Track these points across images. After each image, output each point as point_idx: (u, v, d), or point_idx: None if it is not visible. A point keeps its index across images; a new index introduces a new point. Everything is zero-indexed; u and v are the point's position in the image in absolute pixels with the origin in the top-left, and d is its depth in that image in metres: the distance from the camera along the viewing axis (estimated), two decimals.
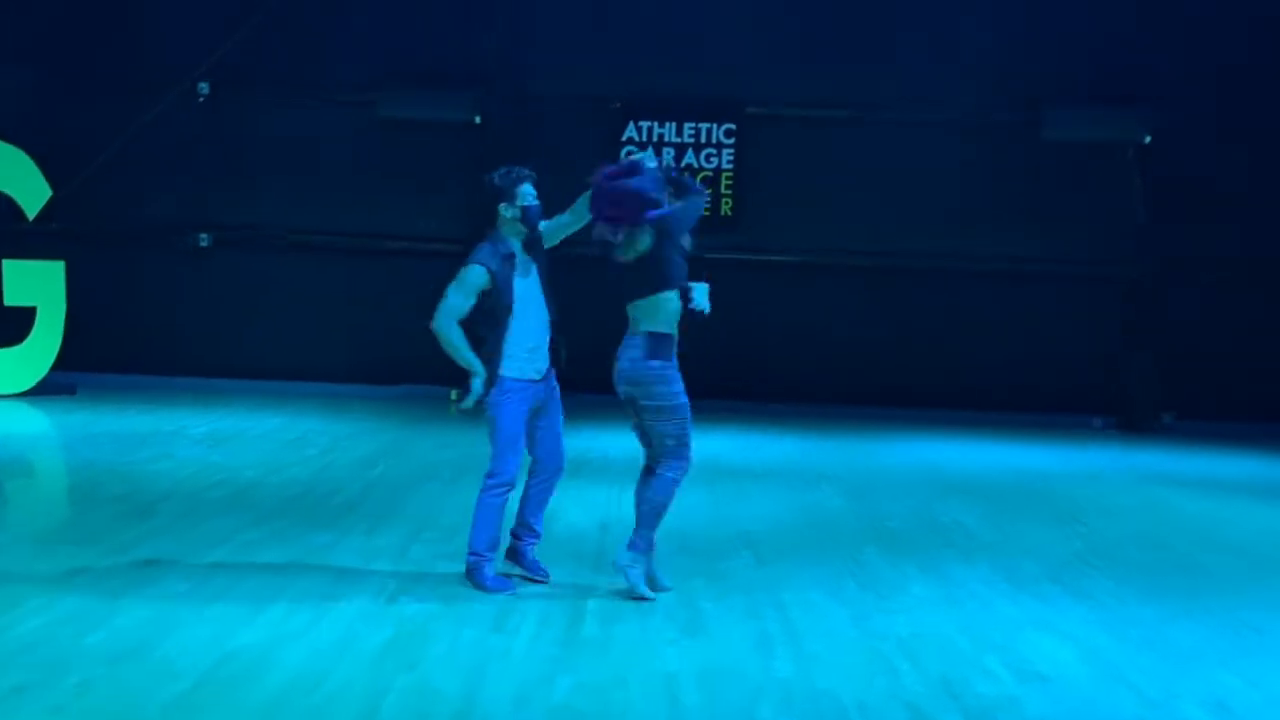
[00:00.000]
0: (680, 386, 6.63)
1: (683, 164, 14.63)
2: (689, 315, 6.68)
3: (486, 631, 5.97)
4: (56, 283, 13.96)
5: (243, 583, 6.62)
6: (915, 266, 15.06)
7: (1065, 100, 14.54)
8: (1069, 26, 14.83)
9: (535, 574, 6.97)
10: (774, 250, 14.99)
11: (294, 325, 15.30)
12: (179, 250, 15.29)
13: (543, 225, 6.81)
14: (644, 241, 6.54)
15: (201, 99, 15.04)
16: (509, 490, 6.77)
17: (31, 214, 13.90)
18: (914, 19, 14.92)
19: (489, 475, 6.75)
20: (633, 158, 6.99)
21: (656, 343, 6.58)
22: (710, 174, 14.81)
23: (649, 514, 6.70)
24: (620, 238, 6.57)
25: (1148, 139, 14.56)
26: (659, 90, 14.97)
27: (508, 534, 7.00)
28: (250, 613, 6.10)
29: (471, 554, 6.74)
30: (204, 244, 15.30)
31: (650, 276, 6.57)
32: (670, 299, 6.60)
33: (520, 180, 6.70)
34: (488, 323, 6.68)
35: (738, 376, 14.59)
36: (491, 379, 6.62)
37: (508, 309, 6.63)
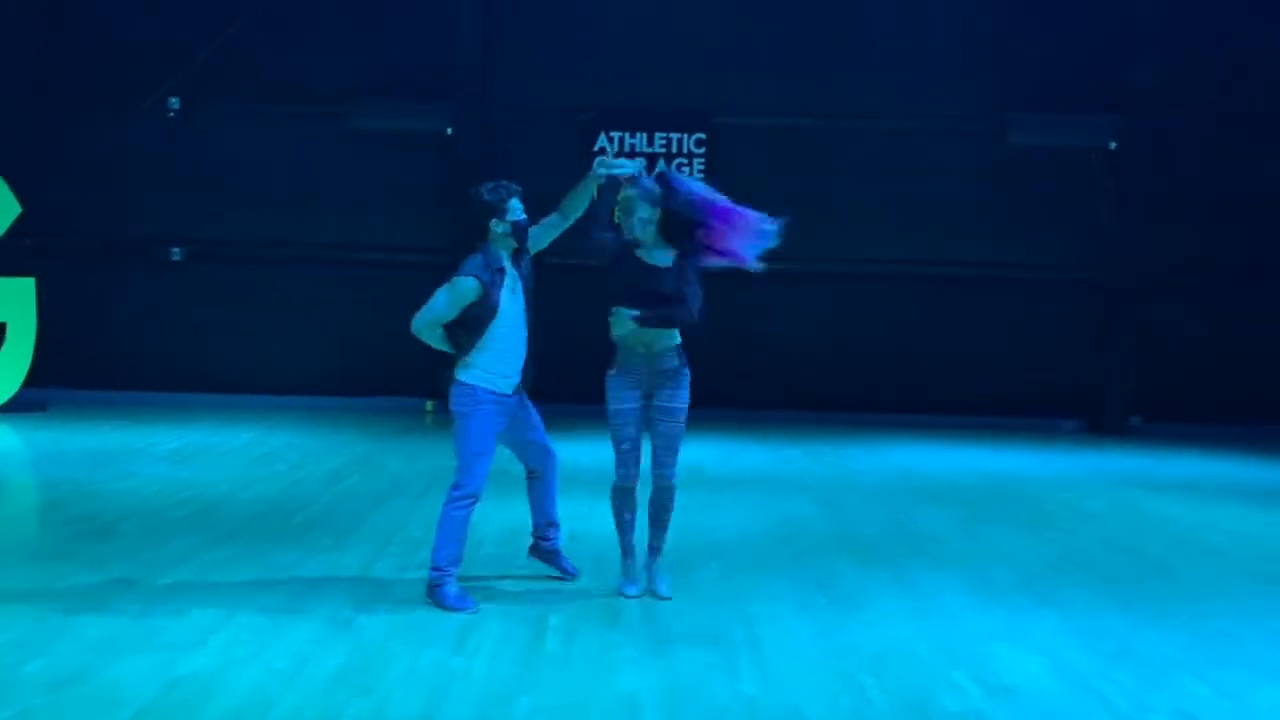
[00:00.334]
0: (615, 395, 6.84)
1: (654, 174, 14.47)
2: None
3: (447, 653, 5.84)
4: (27, 299, 13.83)
5: (198, 604, 6.46)
6: (884, 273, 15.04)
7: (1032, 106, 14.55)
8: (1037, 33, 14.86)
9: (567, 571, 7.18)
10: None
11: (267, 339, 15.18)
12: (151, 264, 15.16)
13: (531, 230, 6.84)
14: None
15: (172, 114, 14.92)
16: (474, 503, 6.70)
17: (0, 231, 13.75)
18: (882, 28, 14.94)
19: (454, 487, 6.67)
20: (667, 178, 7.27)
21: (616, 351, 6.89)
22: None
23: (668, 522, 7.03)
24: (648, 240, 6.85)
25: (1113, 145, 14.59)
26: (630, 101, 14.93)
27: (530, 537, 7.24)
28: (201, 636, 5.94)
29: (433, 569, 6.63)
30: (176, 258, 15.18)
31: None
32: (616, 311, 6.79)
33: (509, 195, 6.71)
34: (467, 333, 6.64)
35: (706, 385, 14.42)
36: (462, 384, 6.63)
37: (490, 322, 6.61)
